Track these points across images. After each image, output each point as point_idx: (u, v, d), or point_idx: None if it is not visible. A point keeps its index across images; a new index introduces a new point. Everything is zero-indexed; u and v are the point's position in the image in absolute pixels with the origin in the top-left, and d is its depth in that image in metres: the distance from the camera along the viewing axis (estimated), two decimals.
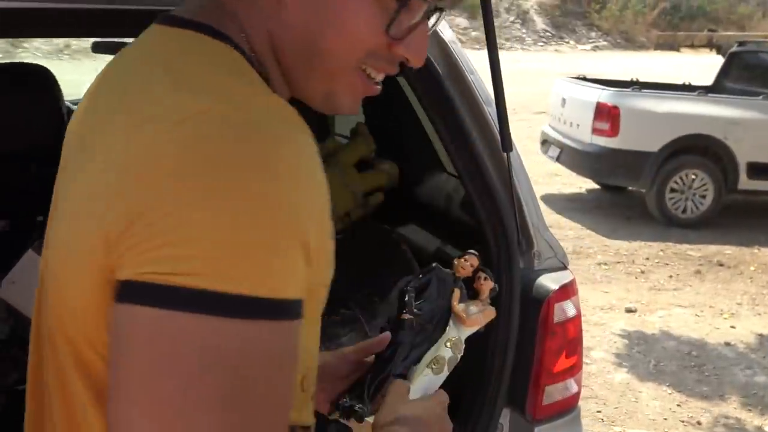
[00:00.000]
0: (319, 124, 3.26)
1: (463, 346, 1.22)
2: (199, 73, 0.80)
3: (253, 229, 0.70)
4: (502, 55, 1.88)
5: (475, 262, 1.23)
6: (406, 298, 1.19)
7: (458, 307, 1.21)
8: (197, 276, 0.69)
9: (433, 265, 1.22)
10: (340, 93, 0.92)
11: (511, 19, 28.79)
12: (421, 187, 3.11)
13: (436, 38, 2.01)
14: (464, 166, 2.01)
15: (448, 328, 1.21)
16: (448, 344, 1.20)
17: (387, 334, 1.17)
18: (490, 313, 1.25)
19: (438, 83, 2.00)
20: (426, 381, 1.17)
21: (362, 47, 0.88)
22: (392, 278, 2.46)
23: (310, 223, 0.74)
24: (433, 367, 1.18)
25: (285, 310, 0.73)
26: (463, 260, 1.23)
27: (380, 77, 0.94)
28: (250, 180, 0.71)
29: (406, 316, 1.17)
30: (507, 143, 1.93)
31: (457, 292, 1.22)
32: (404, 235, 3.01)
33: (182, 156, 0.72)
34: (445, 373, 1.19)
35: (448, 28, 2.06)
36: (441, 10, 0.93)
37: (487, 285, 1.24)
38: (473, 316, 1.22)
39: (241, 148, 0.72)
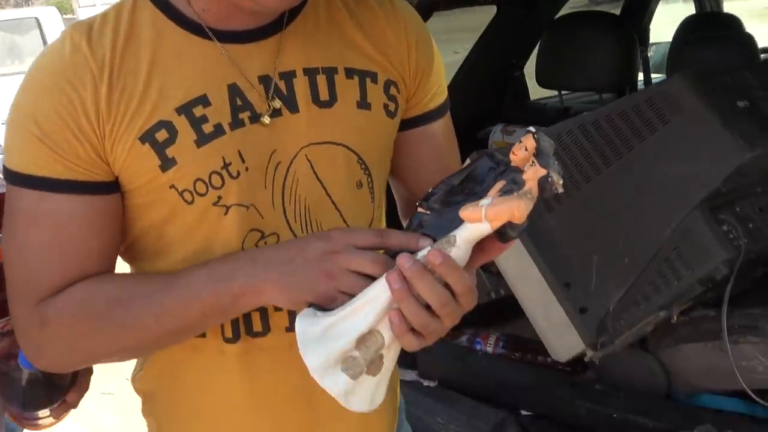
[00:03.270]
0: None
1: (454, 248, 0.71)
2: None
3: None
4: None
5: (531, 144, 0.70)
6: (432, 189, 0.76)
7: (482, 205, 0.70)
8: None
9: (483, 152, 0.78)
10: None
11: None
12: None
13: None
14: None
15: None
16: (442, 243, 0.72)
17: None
18: (506, 208, 0.69)
19: None
20: None
21: None
22: None
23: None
24: None
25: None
26: (518, 143, 0.71)
27: None
28: None
29: (419, 209, 0.75)
30: None
31: (498, 185, 0.71)
32: None
33: None
34: None
35: None
36: None
37: (532, 172, 0.69)
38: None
39: None
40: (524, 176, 0.69)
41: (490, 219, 0.69)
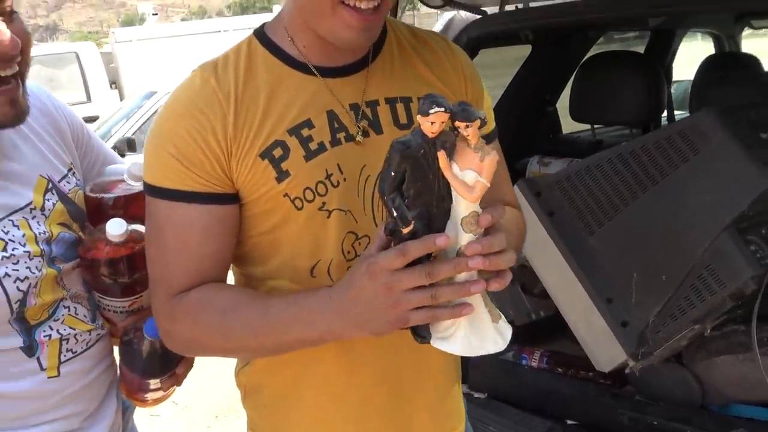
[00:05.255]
0: None
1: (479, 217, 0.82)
2: None
3: None
4: None
5: (443, 116, 0.77)
6: (395, 211, 0.81)
7: (452, 176, 0.80)
8: None
9: (393, 143, 0.80)
10: (337, 28, 0.96)
11: None
12: None
13: None
14: None
15: (454, 202, 0.82)
16: (466, 228, 0.81)
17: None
18: (490, 160, 0.79)
19: None
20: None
21: None
22: None
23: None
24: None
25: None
26: (429, 123, 0.78)
27: (368, 4, 0.94)
28: None
29: (407, 229, 0.81)
30: None
31: (442, 157, 0.79)
32: None
33: None
34: None
35: None
36: None
37: (472, 130, 0.78)
38: (474, 185, 0.79)
39: None
40: (466, 136, 0.79)
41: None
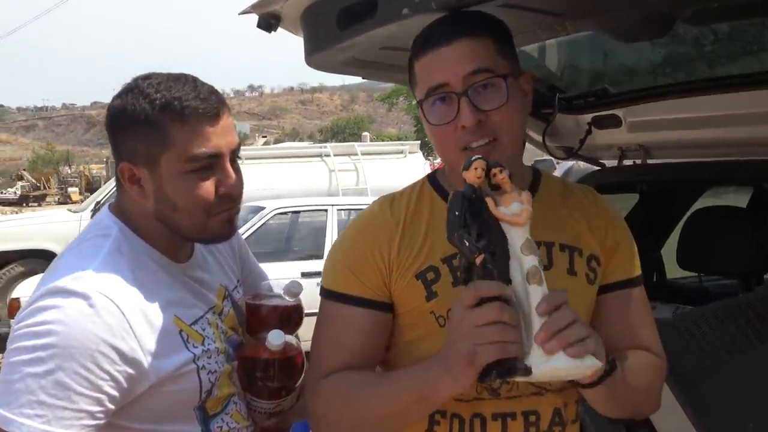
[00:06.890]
0: None
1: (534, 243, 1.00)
2: None
3: None
4: None
5: (481, 164, 0.99)
6: (466, 243, 0.98)
7: (500, 213, 0.99)
8: None
9: (450, 196, 1.01)
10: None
11: None
12: None
13: None
14: None
15: (509, 238, 0.99)
16: (526, 252, 0.98)
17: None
18: (526, 194, 1.01)
19: None
20: (538, 292, 0.99)
21: (447, 140, 1.15)
22: None
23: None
24: (533, 280, 0.99)
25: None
26: (472, 170, 0.99)
27: (479, 143, 1.13)
28: None
29: (479, 258, 0.97)
30: None
31: (489, 201, 0.99)
32: None
33: None
34: (543, 278, 0.99)
35: None
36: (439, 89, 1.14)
37: (503, 175, 1.00)
38: (520, 211, 0.99)
39: None
40: (499, 182, 1.00)
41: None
